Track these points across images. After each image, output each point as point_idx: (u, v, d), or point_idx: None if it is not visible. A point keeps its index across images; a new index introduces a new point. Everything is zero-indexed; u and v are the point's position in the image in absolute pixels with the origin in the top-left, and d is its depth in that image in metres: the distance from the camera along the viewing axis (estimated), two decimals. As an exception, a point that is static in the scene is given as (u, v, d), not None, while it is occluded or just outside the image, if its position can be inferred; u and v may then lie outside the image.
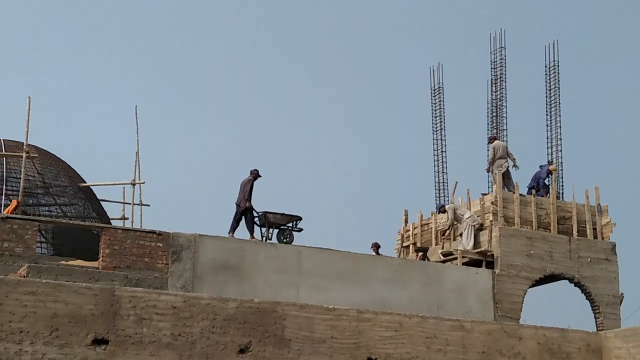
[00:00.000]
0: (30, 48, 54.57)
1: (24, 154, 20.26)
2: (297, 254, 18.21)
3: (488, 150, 21.82)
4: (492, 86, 23.25)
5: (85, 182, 23.32)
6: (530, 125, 30.98)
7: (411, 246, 22.47)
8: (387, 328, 15.88)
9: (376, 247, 21.38)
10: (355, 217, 48.83)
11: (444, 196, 23.33)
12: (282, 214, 19.25)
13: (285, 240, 19.06)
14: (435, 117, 24.21)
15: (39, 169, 22.28)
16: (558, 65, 23.29)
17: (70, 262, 16.99)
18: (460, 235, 21.01)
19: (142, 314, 14.03)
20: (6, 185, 21.64)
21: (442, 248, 21.39)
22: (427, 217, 22.66)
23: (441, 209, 21.74)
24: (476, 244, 20.54)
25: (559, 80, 23.23)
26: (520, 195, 20.91)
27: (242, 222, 19.17)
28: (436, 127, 24.11)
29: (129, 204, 22.41)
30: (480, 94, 23.45)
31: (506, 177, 21.37)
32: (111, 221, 22.65)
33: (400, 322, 16.04)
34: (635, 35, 54.60)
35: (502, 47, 23.13)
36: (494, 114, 23.04)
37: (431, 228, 22.24)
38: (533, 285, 20.43)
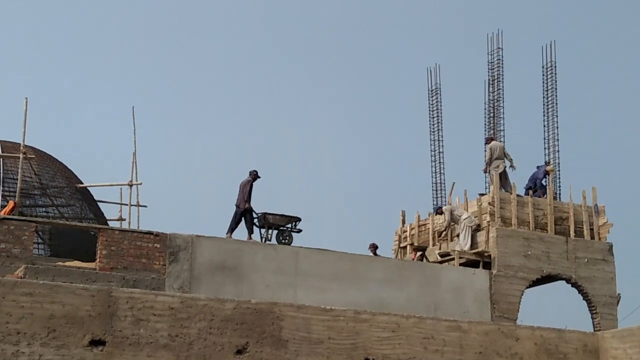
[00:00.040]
0: (28, 49, 54.56)
1: (21, 155, 20.25)
2: (295, 255, 18.22)
3: (485, 151, 21.84)
4: (489, 87, 23.27)
5: (82, 183, 23.31)
6: (527, 126, 30.98)
7: (409, 246, 22.45)
8: (385, 329, 15.88)
9: (374, 248, 21.39)
10: (354, 217, 48.86)
11: (442, 197, 23.34)
12: (282, 215, 19.26)
13: (284, 242, 19.07)
14: (433, 117, 24.23)
15: (36, 170, 22.27)
16: (555, 66, 23.33)
17: (68, 263, 16.99)
18: (458, 236, 21.02)
19: (140, 315, 14.03)
20: (3, 186, 21.62)
21: (440, 249, 21.40)
22: (425, 217, 22.67)
23: (438, 211, 21.75)
24: (473, 244, 20.55)
25: (556, 81, 23.28)
26: (518, 195, 20.93)
27: (242, 223, 19.19)
28: (433, 128, 24.13)
29: (126, 205, 22.39)
30: (478, 94, 23.44)
31: (503, 177, 21.39)
32: (108, 222, 22.62)
33: (397, 323, 16.04)
34: (633, 36, 54.67)
35: (499, 48, 23.16)
36: (491, 114, 23.06)
37: (428, 229, 22.25)
38: (530, 286, 20.45)
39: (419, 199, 39.60)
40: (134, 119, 22.81)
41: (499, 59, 23.14)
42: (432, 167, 23.79)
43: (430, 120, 24.23)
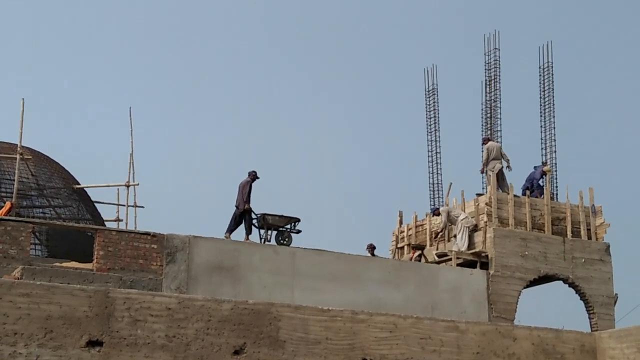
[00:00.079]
0: (26, 49, 54.52)
1: (18, 156, 20.25)
2: (292, 256, 18.21)
3: (482, 151, 21.85)
4: (486, 87, 23.29)
5: (79, 183, 23.30)
6: (524, 127, 30.95)
7: (406, 246, 22.42)
8: (382, 329, 15.88)
9: (371, 248, 21.38)
10: (352, 217, 48.88)
11: (439, 197, 23.36)
12: (281, 216, 19.25)
13: (284, 242, 19.07)
14: (430, 118, 24.25)
15: (32, 171, 22.26)
16: (552, 67, 23.35)
17: (65, 264, 16.98)
18: (455, 236, 21.03)
19: (137, 315, 14.01)
20: (0, 187, 21.61)
21: (437, 249, 21.41)
22: (422, 218, 22.67)
23: (436, 212, 21.76)
24: (470, 245, 20.56)
25: (553, 82, 23.31)
26: (515, 196, 20.93)
27: (242, 224, 19.19)
28: (431, 128, 24.14)
29: (123, 205, 22.40)
30: (475, 95, 23.48)
31: (500, 178, 21.39)
32: (105, 223, 22.62)
33: (394, 323, 16.04)
34: (630, 36, 54.76)
35: (496, 49, 23.19)
36: (489, 115, 23.08)
37: (426, 229, 22.25)
38: (527, 286, 20.45)
39: (417, 200, 39.62)
40: (131, 119, 22.83)
41: (496, 60, 23.17)
42: (429, 167, 23.82)
43: (427, 121, 24.27)
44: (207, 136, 54.40)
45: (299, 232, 19.41)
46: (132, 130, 22.63)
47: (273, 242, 19.11)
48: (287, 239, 19.18)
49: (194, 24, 57.59)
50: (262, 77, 56.56)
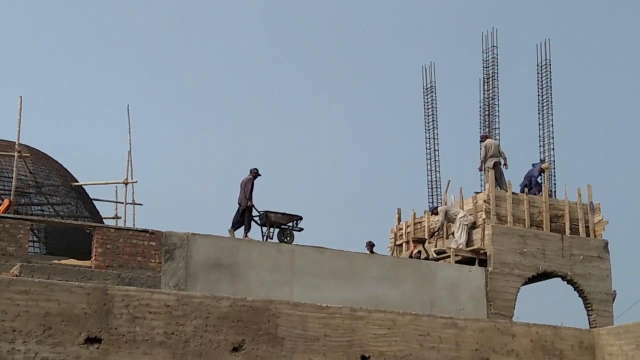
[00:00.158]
0: (25, 47, 54.49)
1: (16, 154, 20.23)
2: (291, 253, 18.22)
3: (480, 148, 21.86)
4: (484, 85, 23.29)
5: (77, 181, 23.29)
6: (522, 124, 31.06)
7: (410, 240, 22.38)
8: (381, 326, 15.88)
9: (370, 245, 21.38)
10: (352, 215, 48.88)
11: (437, 194, 23.35)
12: (283, 214, 19.29)
13: (286, 240, 19.11)
14: (428, 116, 24.23)
15: (31, 169, 22.23)
16: (550, 64, 23.35)
17: (63, 261, 16.97)
18: (453, 234, 21.04)
19: (135, 312, 14.01)
20: (-2, 185, 21.61)
21: (435, 246, 21.42)
22: (420, 215, 22.68)
23: (434, 211, 21.77)
24: (469, 242, 20.57)
25: (550, 79, 23.30)
26: (513, 193, 20.95)
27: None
28: (429, 126, 24.13)
29: (122, 203, 22.37)
30: (473, 92, 23.59)
31: (498, 175, 21.40)
32: (104, 220, 22.62)
33: (393, 320, 16.04)
34: (628, 34, 54.76)
35: (494, 46, 23.18)
36: (486, 112, 23.08)
37: (424, 226, 22.25)
38: (526, 283, 20.47)
39: (415, 197, 39.68)
40: (129, 117, 22.82)
41: (494, 57, 23.17)
42: (427, 165, 23.81)
43: (425, 119, 24.25)
44: (205, 134, 54.45)
45: (301, 230, 19.46)
46: (130, 128, 22.64)
47: (275, 239, 19.15)
48: (289, 237, 19.21)
49: (193, 23, 57.62)
50: (260, 76, 56.58)
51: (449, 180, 22.84)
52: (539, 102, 23.27)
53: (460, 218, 20.75)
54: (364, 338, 15.68)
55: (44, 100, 48.82)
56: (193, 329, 14.35)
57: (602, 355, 17.54)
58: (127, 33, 56.79)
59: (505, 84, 23.86)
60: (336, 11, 58.18)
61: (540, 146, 22.96)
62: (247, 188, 19.26)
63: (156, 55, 57.02)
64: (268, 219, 19.19)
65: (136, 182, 22.48)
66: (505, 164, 21.62)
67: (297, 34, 57.51)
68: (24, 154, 20.96)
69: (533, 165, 22.33)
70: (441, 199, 22.92)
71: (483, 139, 21.93)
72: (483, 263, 20.11)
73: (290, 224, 19.41)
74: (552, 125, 22.93)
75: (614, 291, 21.07)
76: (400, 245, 22.67)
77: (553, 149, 22.78)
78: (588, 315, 20.81)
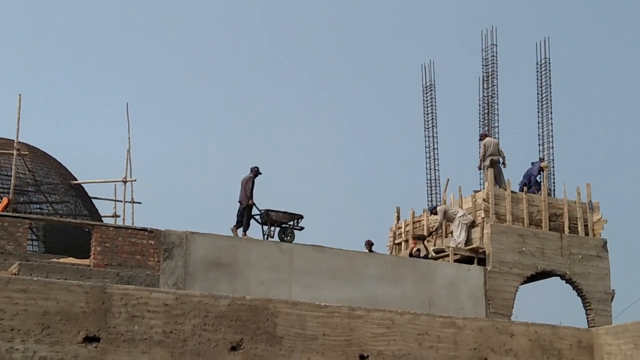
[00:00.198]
0: (24, 46, 54.47)
1: (15, 152, 20.23)
2: (289, 252, 18.21)
3: (480, 147, 21.85)
4: (483, 83, 23.28)
5: (76, 179, 23.27)
6: (521, 123, 30.96)
7: (409, 237, 22.37)
8: (379, 325, 15.88)
9: (369, 244, 21.36)
10: (351, 214, 48.88)
11: (436, 193, 23.36)
12: (284, 212, 19.29)
13: (286, 239, 19.11)
14: (427, 114, 24.23)
15: (29, 167, 22.22)
16: (549, 63, 23.34)
17: (62, 260, 16.95)
18: (451, 233, 21.03)
19: (134, 311, 14.00)
20: (-3, 183, 21.59)
21: (434, 245, 21.41)
22: (419, 214, 22.67)
23: (433, 211, 21.76)
24: (468, 240, 20.56)
25: (550, 78, 23.29)
26: (512, 192, 20.94)
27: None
28: (428, 125, 24.13)
29: (121, 201, 22.36)
30: (472, 91, 23.53)
31: (497, 174, 21.40)
32: (103, 219, 22.60)
33: (392, 319, 16.04)
34: (627, 33, 54.75)
35: (493, 45, 23.16)
36: (486, 111, 23.07)
37: (423, 225, 22.25)
38: (524, 282, 20.46)
39: (414, 196, 39.68)
40: (128, 115, 22.81)
41: (493, 56, 23.16)
42: (426, 163, 23.82)
43: (424, 117, 24.25)
44: (205, 133, 54.42)
45: (301, 228, 19.47)
46: (129, 127, 22.63)
47: (276, 238, 19.15)
48: (290, 236, 19.21)
49: (193, 23, 57.59)
50: (259, 76, 56.56)
51: (448, 179, 22.87)
52: (538, 101, 23.27)
53: (460, 217, 20.74)
54: (363, 337, 15.68)
55: (43, 98, 48.83)
56: (192, 327, 14.35)
57: (600, 354, 17.55)
58: (127, 32, 56.80)
59: (505, 83, 23.88)
60: (335, 11, 58.19)
61: (539, 145, 22.98)
62: (248, 186, 19.28)
63: (156, 54, 57.03)
64: (269, 218, 19.19)
65: (135, 180, 22.48)
66: (503, 163, 21.61)
67: (297, 34, 57.52)
68: (23, 152, 20.96)
69: (532, 164, 22.32)
70: (440, 197, 22.92)
71: (482, 137, 21.92)
72: (482, 262, 20.10)
73: (291, 222, 19.41)
74: (552, 124, 22.94)
75: (613, 290, 21.07)
76: (399, 244, 22.67)
77: (552, 147, 22.80)
78: (587, 314, 20.81)
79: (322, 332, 15.34)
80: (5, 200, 19.25)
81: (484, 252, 20.12)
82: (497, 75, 23.08)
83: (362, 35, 57.81)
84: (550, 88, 23.17)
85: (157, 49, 56.92)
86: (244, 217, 19.23)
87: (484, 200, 20.62)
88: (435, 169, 23.65)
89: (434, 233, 21.48)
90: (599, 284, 20.88)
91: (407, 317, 16.24)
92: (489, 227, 20.17)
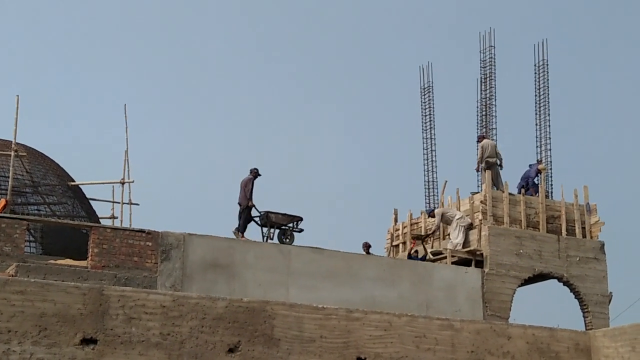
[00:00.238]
0: (21, 46, 54.43)
1: (12, 153, 20.20)
2: (287, 253, 18.21)
3: (477, 149, 21.85)
4: (481, 85, 23.26)
5: (74, 180, 23.23)
6: (519, 124, 30.97)
7: (402, 243, 22.39)
8: (377, 327, 15.88)
9: (367, 247, 21.34)
10: (349, 216, 48.87)
11: (434, 195, 23.34)
12: (284, 214, 19.29)
13: (286, 241, 19.11)
14: (425, 116, 24.20)
15: (27, 168, 22.19)
16: (547, 64, 23.34)
17: (59, 262, 16.94)
18: (449, 235, 21.03)
19: (131, 313, 14.00)
20: (-6, 184, 21.57)
21: (432, 247, 21.41)
22: (417, 216, 22.67)
23: (431, 214, 21.75)
24: (465, 243, 20.56)
25: (548, 79, 23.29)
26: (510, 194, 20.94)
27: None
28: (426, 126, 24.11)
29: (118, 203, 22.31)
30: (470, 93, 23.46)
31: (495, 176, 21.40)
32: (100, 220, 22.56)
33: (389, 322, 16.04)
34: (625, 35, 54.79)
35: (491, 46, 23.14)
36: (484, 113, 23.06)
37: (421, 227, 22.24)
38: (522, 284, 20.46)
39: (412, 198, 39.67)
40: (125, 117, 22.77)
41: (491, 57, 23.14)
42: (424, 165, 23.79)
43: (422, 119, 24.22)
44: (203, 135, 54.37)
45: (301, 230, 19.46)
46: (127, 128, 22.60)
47: (275, 240, 19.15)
48: (289, 238, 19.21)
49: (192, 24, 57.55)
50: (260, 77, 56.58)
51: (446, 181, 22.84)
52: (536, 103, 23.26)
53: (457, 219, 20.74)
54: (360, 339, 15.69)
55: (41, 99, 48.72)
56: (189, 329, 14.35)
57: (597, 357, 17.56)
58: (123, 33, 56.77)
59: (503, 84, 23.82)
60: (334, 12, 58.20)
61: (537, 147, 22.97)
62: (248, 188, 19.27)
63: (153, 55, 56.99)
64: (269, 220, 19.18)
65: (133, 182, 22.43)
66: (501, 165, 21.61)
67: (295, 35, 57.48)
68: (20, 153, 20.92)
69: (530, 165, 22.32)
70: (438, 199, 22.90)
71: (480, 139, 21.91)
72: (479, 264, 20.10)
73: (291, 224, 19.41)
74: (549, 126, 22.94)
75: (610, 293, 21.07)
76: (397, 246, 22.66)
77: (550, 149, 22.79)
78: (584, 317, 20.80)
79: (320, 334, 15.35)
80: (2, 202, 19.23)
81: (482, 254, 20.11)
82: (495, 76, 23.08)
83: (360, 36, 57.85)
84: (548, 90, 23.19)
85: (155, 50, 56.93)
86: (244, 218, 19.22)
87: (481, 202, 20.63)
88: (433, 171, 23.64)
89: (431, 235, 21.48)
90: (597, 287, 20.89)
91: (404, 319, 16.24)
92: (487, 229, 20.17)
